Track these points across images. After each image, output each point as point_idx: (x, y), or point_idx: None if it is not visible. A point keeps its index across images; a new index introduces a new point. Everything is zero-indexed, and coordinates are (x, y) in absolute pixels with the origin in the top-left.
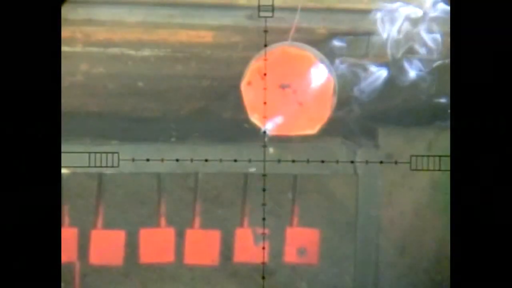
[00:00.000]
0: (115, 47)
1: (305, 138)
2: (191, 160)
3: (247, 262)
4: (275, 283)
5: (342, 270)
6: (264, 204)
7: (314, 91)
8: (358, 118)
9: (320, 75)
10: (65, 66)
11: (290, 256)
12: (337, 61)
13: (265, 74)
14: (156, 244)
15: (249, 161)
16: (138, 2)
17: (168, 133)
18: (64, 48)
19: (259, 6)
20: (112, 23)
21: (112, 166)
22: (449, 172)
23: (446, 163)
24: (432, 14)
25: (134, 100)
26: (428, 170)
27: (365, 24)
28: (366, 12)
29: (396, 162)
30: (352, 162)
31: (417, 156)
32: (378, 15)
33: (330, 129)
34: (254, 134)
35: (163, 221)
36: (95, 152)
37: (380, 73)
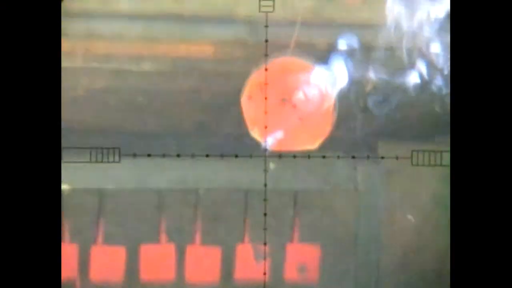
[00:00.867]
0: (115, 61)
1: (305, 154)
2: (192, 176)
3: (248, 279)
4: None
5: (342, 286)
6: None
7: (314, 106)
8: (358, 133)
9: (320, 90)
10: (66, 81)
11: (291, 273)
12: (338, 74)
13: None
14: (157, 261)
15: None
16: (138, 16)
17: (169, 148)
18: (64, 63)
19: (259, 2)
20: (112, 37)
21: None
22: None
23: (447, 159)
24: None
25: (134, 115)
26: (429, 165)
27: (366, 36)
28: (367, 24)
29: (397, 158)
30: (353, 177)
31: (418, 151)
32: (381, 28)
33: (331, 144)
34: (255, 149)
35: (163, 237)
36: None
37: (382, 86)
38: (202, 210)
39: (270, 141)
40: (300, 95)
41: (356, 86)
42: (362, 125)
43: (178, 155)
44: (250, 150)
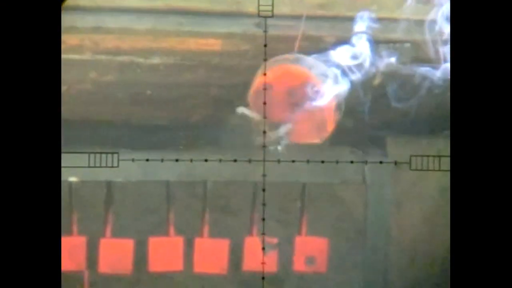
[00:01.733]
0: (124, 55)
1: (314, 147)
2: (200, 168)
3: (256, 271)
4: None
5: (351, 278)
6: (264, 204)
7: (317, 107)
8: (366, 127)
9: (321, 95)
10: (74, 74)
11: (299, 264)
12: (344, 69)
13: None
14: (165, 253)
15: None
16: (147, 10)
17: (177, 141)
18: (73, 56)
19: (258, 5)
20: (121, 31)
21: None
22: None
23: (446, 163)
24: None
25: (142, 108)
26: (428, 170)
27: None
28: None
29: (396, 163)
30: (361, 170)
31: (416, 156)
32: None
33: (339, 137)
34: (263, 142)
35: (172, 230)
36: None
37: (389, 81)
38: (211, 202)
39: (277, 134)
40: (302, 95)
41: (364, 80)
42: (370, 119)
43: (186, 147)
44: (259, 142)
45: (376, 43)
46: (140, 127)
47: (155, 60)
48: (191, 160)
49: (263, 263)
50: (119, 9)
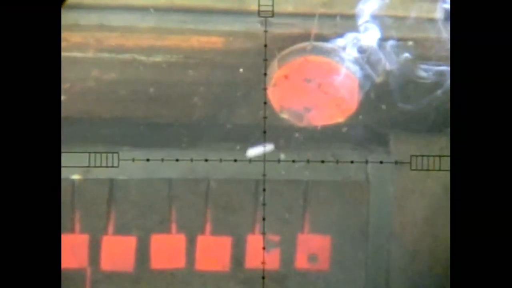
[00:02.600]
0: (127, 53)
1: (316, 145)
2: (203, 166)
3: (258, 269)
4: None
5: (353, 276)
6: (264, 204)
7: (338, 82)
8: (369, 124)
9: (343, 73)
10: (77, 72)
11: (301, 262)
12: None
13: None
14: (167, 250)
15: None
16: (150, 8)
17: (180, 138)
18: (76, 54)
19: (259, 5)
20: (124, 28)
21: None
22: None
23: (446, 163)
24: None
25: (145, 106)
26: (428, 170)
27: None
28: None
29: (396, 163)
30: (363, 168)
31: (417, 156)
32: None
33: (342, 135)
34: (265, 140)
35: (174, 227)
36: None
37: (392, 78)
38: (213, 200)
39: (300, 118)
40: (323, 77)
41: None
42: (372, 117)
43: (189, 145)
44: (261, 141)
45: (380, 40)
46: (142, 125)
47: (158, 58)
48: (192, 160)
49: (263, 262)
50: (122, 7)
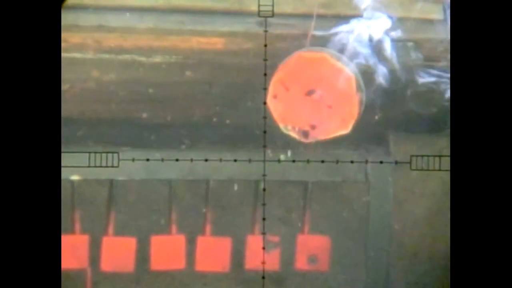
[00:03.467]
0: (126, 53)
1: (316, 145)
2: (202, 166)
3: (258, 269)
4: None
5: (353, 277)
6: (264, 204)
7: (338, 91)
8: (369, 125)
9: (340, 74)
10: (77, 73)
11: (301, 263)
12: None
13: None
14: (167, 251)
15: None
16: (149, 8)
17: (179, 139)
18: (75, 55)
19: (259, 5)
20: (123, 29)
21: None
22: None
23: (446, 163)
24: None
25: (145, 107)
26: (428, 170)
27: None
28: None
29: (396, 162)
30: (363, 168)
31: (417, 156)
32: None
33: (342, 136)
34: (265, 140)
35: (174, 228)
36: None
37: (391, 78)
38: (213, 201)
39: (306, 135)
40: (323, 84)
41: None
42: (372, 117)
43: (188, 146)
44: (261, 141)
45: (380, 40)
46: (142, 125)
47: (157, 59)
48: (191, 160)
49: (263, 262)
50: (121, 8)
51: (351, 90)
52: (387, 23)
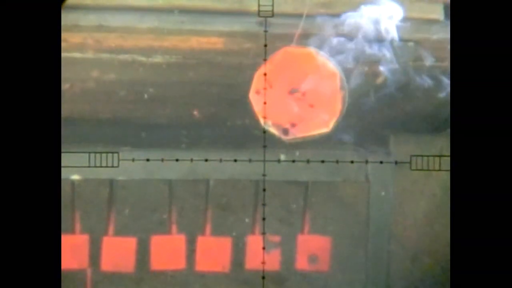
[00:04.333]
0: (126, 53)
1: (317, 145)
2: (203, 166)
3: (258, 269)
4: None
5: (353, 277)
6: (264, 204)
7: (322, 88)
8: (369, 125)
9: (324, 70)
10: (77, 73)
11: (302, 263)
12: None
13: (265, 74)
14: (167, 251)
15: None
16: (149, 8)
17: (179, 139)
18: (75, 54)
19: (259, 5)
20: (123, 29)
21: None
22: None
23: (446, 163)
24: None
25: (145, 107)
26: (428, 170)
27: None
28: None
29: (396, 162)
30: (363, 169)
31: (417, 156)
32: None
33: (342, 136)
34: (265, 140)
35: (174, 228)
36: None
37: (391, 79)
38: (213, 200)
39: (283, 132)
40: (305, 81)
41: (365, 78)
42: (373, 117)
43: (188, 146)
44: (260, 141)
45: (379, 40)
46: (142, 125)
47: (157, 59)
48: (191, 160)
49: (263, 262)
50: (121, 8)
51: (335, 87)
52: (387, 22)
